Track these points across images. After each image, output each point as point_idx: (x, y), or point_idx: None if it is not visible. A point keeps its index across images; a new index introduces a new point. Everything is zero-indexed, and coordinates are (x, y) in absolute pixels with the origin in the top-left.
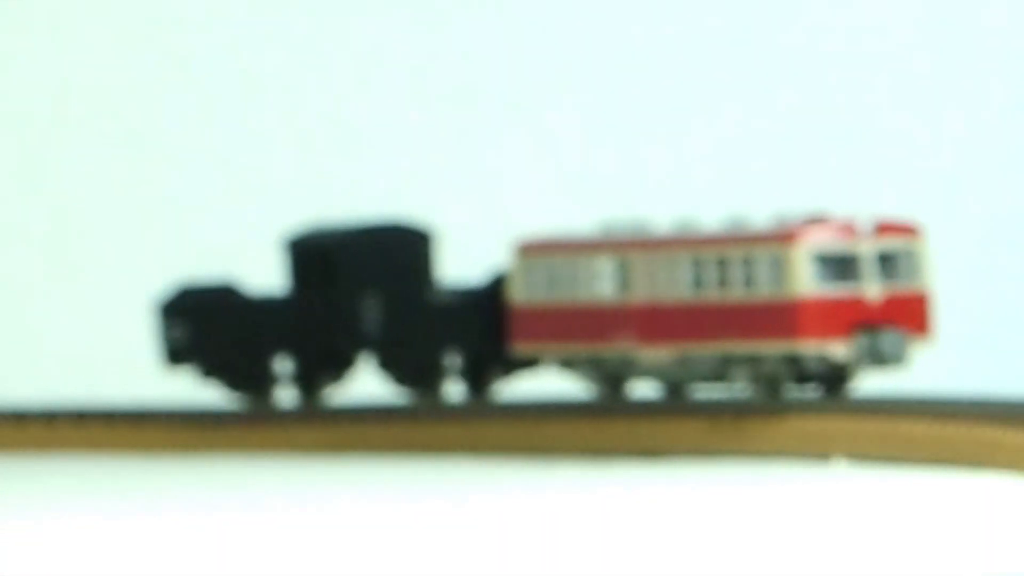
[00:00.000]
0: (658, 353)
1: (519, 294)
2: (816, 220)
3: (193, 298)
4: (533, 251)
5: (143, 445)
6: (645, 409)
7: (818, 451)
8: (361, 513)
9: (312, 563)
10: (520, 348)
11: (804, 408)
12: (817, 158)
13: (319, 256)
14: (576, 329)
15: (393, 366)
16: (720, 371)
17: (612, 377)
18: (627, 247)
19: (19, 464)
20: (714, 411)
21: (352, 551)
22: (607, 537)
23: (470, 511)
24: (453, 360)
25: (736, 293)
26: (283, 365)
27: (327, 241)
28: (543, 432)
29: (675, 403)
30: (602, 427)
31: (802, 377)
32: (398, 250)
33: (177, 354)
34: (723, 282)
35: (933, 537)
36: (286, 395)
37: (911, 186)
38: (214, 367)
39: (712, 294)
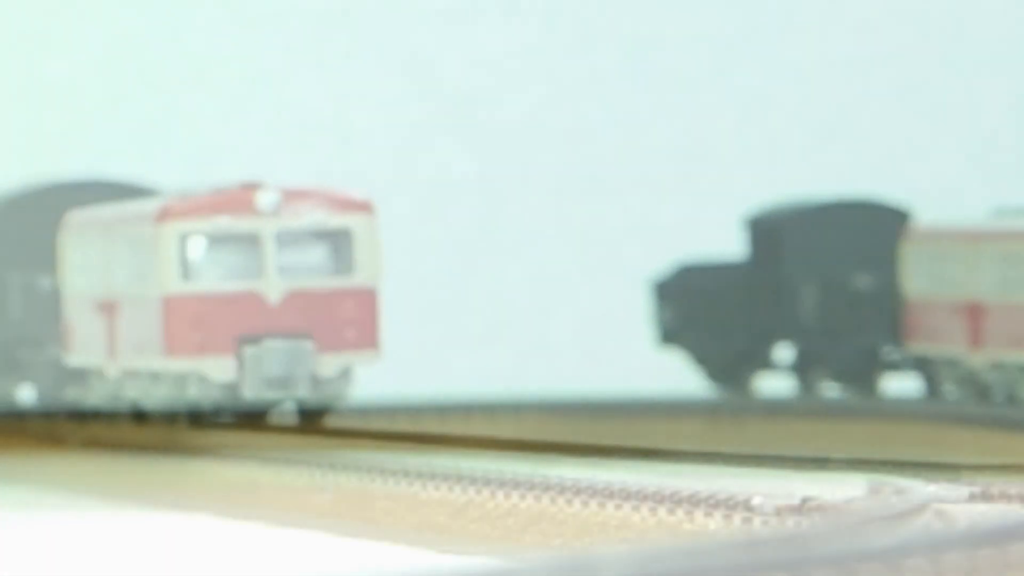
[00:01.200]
0: (978, 357)
1: (907, 284)
2: None
3: (690, 277)
4: (918, 238)
5: (144, 445)
6: (647, 409)
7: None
8: None
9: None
10: (910, 345)
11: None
12: None
13: (769, 236)
14: (926, 326)
15: (824, 359)
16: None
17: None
18: (961, 239)
19: (19, 464)
20: (714, 411)
21: None
22: None
23: None
24: (898, 354)
25: (1016, 296)
26: (781, 354)
27: (776, 220)
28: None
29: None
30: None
31: None
32: (856, 231)
33: (670, 335)
34: (1004, 282)
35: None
36: (781, 386)
37: None
38: (703, 351)
39: (1008, 295)
